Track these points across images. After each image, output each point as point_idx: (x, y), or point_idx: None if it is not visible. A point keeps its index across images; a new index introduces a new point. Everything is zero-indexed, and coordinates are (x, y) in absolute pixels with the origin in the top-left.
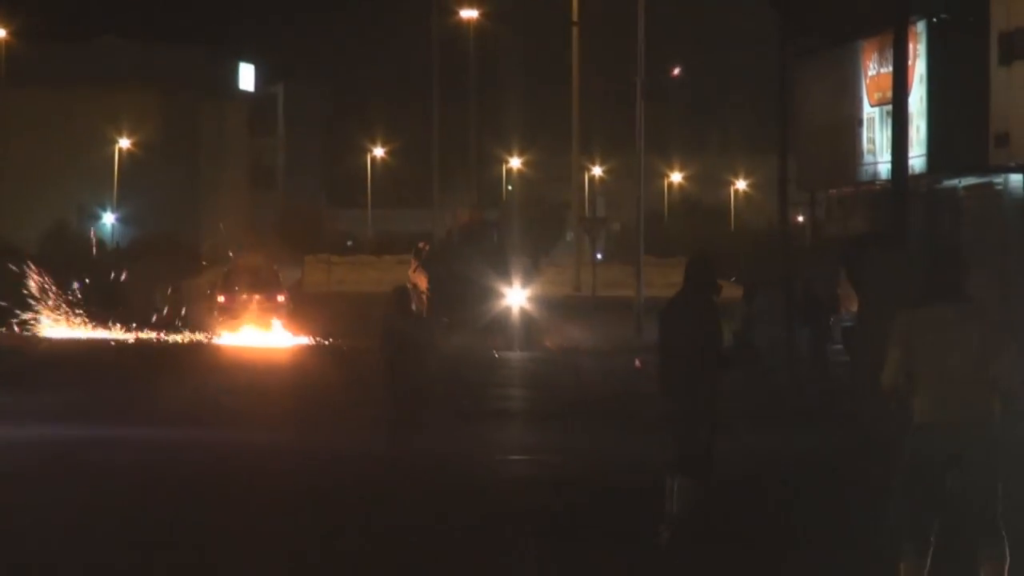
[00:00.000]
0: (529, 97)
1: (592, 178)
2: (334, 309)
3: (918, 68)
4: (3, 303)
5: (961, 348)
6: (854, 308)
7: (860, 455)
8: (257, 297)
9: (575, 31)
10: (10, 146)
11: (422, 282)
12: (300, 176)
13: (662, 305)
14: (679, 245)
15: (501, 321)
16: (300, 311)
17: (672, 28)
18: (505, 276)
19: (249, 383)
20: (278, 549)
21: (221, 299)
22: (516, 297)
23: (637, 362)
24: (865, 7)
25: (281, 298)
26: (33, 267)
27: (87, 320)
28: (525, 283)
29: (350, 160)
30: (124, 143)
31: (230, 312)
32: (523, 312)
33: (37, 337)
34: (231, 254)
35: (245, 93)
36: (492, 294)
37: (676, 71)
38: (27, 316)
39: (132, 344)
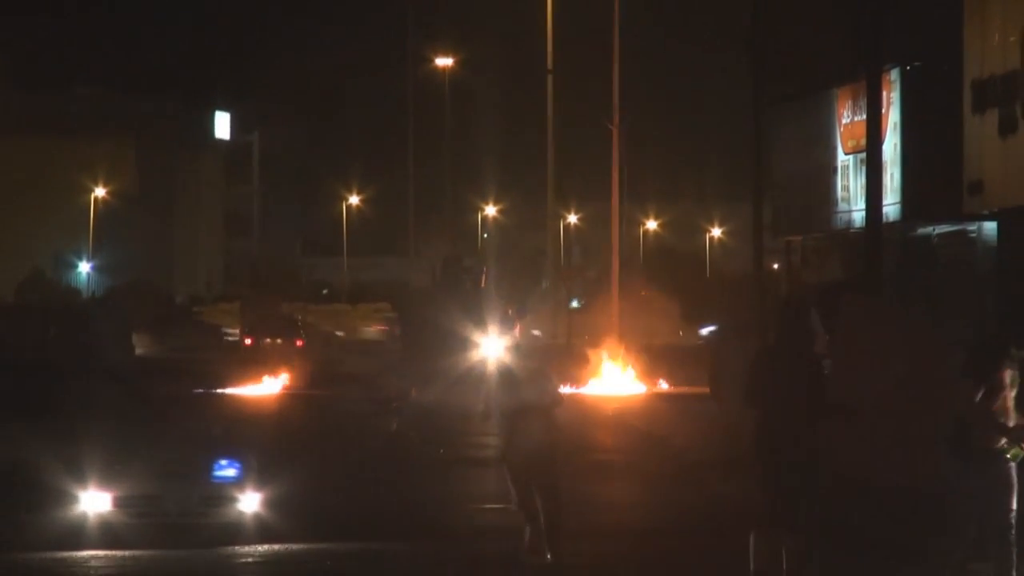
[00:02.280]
0: (504, 145)
1: (568, 226)
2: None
3: (892, 116)
4: None
5: None
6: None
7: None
8: (279, 341)
9: (550, 80)
10: None
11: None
12: (275, 224)
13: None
14: (655, 292)
15: (476, 373)
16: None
17: (647, 75)
18: (481, 325)
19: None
20: None
21: (247, 342)
22: (493, 348)
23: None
24: (839, 56)
25: (300, 343)
26: None
27: None
28: (503, 332)
29: (326, 208)
30: (100, 192)
31: (254, 354)
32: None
33: None
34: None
35: (220, 141)
36: (467, 344)
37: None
38: None
39: None
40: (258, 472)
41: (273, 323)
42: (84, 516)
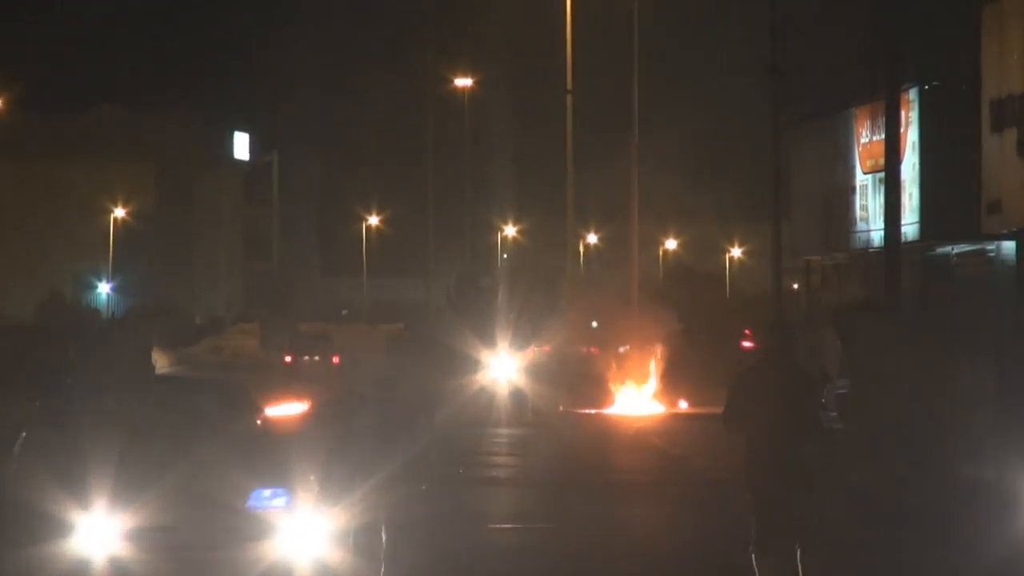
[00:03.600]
0: (524, 164)
1: (587, 245)
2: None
3: (910, 135)
4: None
5: None
6: (835, 373)
7: (857, 523)
8: (317, 359)
9: (569, 100)
10: (4, 216)
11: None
12: (295, 244)
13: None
14: (674, 311)
15: (487, 393)
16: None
17: (667, 95)
18: (492, 344)
19: None
20: None
21: (287, 359)
22: (504, 367)
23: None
24: (857, 75)
25: (336, 360)
26: None
27: None
28: (516, 352)
29: (345, 228)
30: (119, 213)
31: (294, 371)
32: (511, 383)
33: None
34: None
35: (239, 162)
36: (477, 365)
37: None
38: None
39: None
40: (311, 500)
41: (310, 341)
42: (86, 550)
